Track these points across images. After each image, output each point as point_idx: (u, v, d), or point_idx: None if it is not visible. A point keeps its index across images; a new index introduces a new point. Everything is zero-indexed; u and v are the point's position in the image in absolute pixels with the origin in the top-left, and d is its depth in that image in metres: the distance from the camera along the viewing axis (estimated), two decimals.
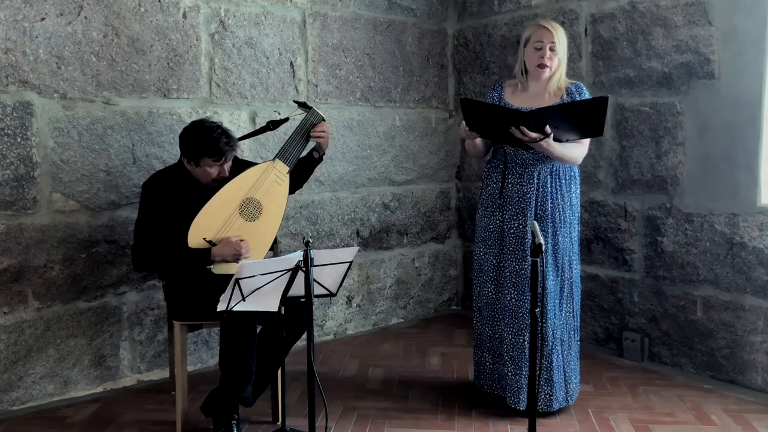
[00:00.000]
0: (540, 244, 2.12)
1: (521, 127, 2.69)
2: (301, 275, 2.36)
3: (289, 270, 2.37)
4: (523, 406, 2.94)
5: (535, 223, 2.21)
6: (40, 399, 3.17)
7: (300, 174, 3.05)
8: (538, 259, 2.14)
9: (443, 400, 3.19)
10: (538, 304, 2.21)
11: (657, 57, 3.51)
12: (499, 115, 2.78)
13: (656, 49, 3.51)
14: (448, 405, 3.13)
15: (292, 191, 3.07)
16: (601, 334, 3.88)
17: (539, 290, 2.91)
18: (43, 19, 3.06)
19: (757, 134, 3.17)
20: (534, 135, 2.70)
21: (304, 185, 3.16)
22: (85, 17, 3.17)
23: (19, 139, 3.04)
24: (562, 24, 3.90)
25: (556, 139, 2.77)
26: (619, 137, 3.71)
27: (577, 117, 2.75)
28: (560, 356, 2.96)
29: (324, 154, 3.05)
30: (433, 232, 4.66)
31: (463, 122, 2.86)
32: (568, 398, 3.02)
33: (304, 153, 3.00)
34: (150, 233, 2.77)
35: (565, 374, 2.98)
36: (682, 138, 3.44)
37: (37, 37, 3.05)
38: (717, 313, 3.36)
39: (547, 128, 2.70)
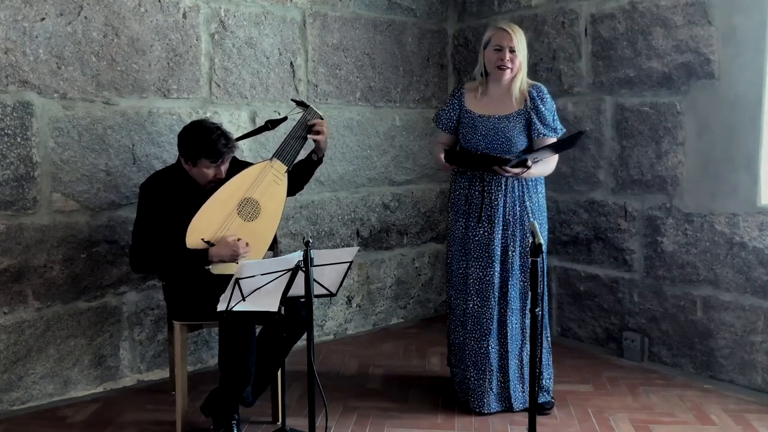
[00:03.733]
0: (540, 244, 2.12)
1: (504, 167, 2.82)
2: (301, 275, 2.36)
3: (289, 270, 2.37)
4: (488, 410, 2.98)
5: (535, 222, 2.21)
6: (40, 399, 3.17)
7: (299, 177, 3.04)
8: (538, 259, 2.14)
9: (443, 400, 3.19)
10: (539, 304, 2.21)
11: (657, 57, 3.51)
12: (483, 161, 2.90)
13: (656, 49, 3.51)
14: (448, 405, 3.13)
15: (292, 193, 3.06)
16: (601, 334, 3.88)
17: (502, 293, 2.97)
18: (43, 19, 3.06)
19: (756, 134, 3.17)
20: (517, 171, 2.84)
21: (305, 187, 3.16)
22: (85, 17, 3.17)
23: (19, 139, 3.04)
24: (562, 24, 3.92)
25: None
26: (619, 137, 3.71)
27: (557, 148, 2.93)
28: (527, 354, 2.98)
29: (323, 155, 3.03)
30: (433, 232, 4.65)
31: (441, 156, 2.95)
32: (544, 393, 3.04)
33: (303, 154, 3.00)
34: (148, 235, 2.77)
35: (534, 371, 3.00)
36: (682, 138, 3.44)
37: (37, 37, 3.05)
38: (717, 313, 3.36)
39: (529, 162, 2.83)
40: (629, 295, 3.73)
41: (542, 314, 3.03)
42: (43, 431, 2.91)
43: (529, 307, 2.99)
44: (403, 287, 4.51)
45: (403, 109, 4.41)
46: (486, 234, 2.95)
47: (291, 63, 3.87)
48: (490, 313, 2.96)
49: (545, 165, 2.96)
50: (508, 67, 2.91)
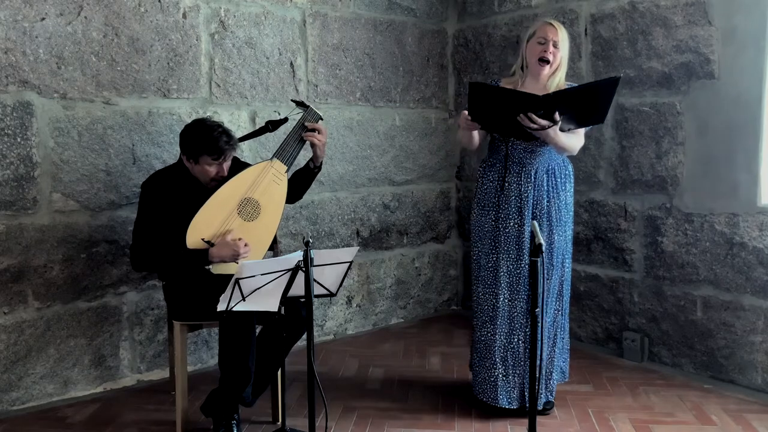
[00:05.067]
0: (540, 244, 2.12)
1: (530, 114, 2.62)
2: (301, 275, 2.36)
3: (289, 270, 2.37)
4: (516, 404, 2.97)
5: (535, 223, 2.21)
6: (40, 399, 3.17)
7: (297, 186, 3.03)
8: (538, 259, 2.14)
9: (443, 400, 3.19)
10: (540, 303, 2.21)
11: (657, 57, 3.51)
12: (510, 99, 2.67)
13: (656, 49, 3.51)
14: (448, 405, 3.13)
15: (291, 201, 3.06)
16: (601, 334, 3.88)
17: (534, 290, 2.93)
18: (43, 19, 3.06)
19: (757, 134, 3.17)
20: (544, 122, 2.64)
21: (303, 196, 3.14)
22: (85, 17, 3.17)
23: (19, 139, 3.04)
24: (562, 24, 3.91)
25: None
26: (619, 137, 3.71)
27: (588, 101, 2.69)
28: (546, 353, 2.97)
29: (321, 164, 3.01)
30: (433, 232, 4.66)
31: (465, 111, 2.76)
32: (548, 394, 3.03)
33: (303, 154, 3.00)
34: (149, 233, 2.77)
35: (546, 370, 2.99)
36: (682, 138, 3.44)
37: (37, 37, 3.05)
38: (717, 313, 3.36)
39: (556, 115, 2.63)
40: (629, 295, 3.73)
41: (564, 315, 3.04)
42: (43, 431, 2.91)
43: (555, 306, 2.99)
44: (403, 287, 4.51)
45: (403, 109, 4.41)
46: (516, 226, 2.91)
47: (291, 63, 3.87)
48: (522, 307, 2.92)
49: (570, 139, 2.81)
50: (549, 61, 2.84)
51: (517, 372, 2.96)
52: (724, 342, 3.34)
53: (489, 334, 3.01)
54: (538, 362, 2.91)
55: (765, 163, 3.17)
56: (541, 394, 2.98)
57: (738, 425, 2.87)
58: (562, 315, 3.02)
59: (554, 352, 3.01)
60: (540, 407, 2.98)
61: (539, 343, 2.92)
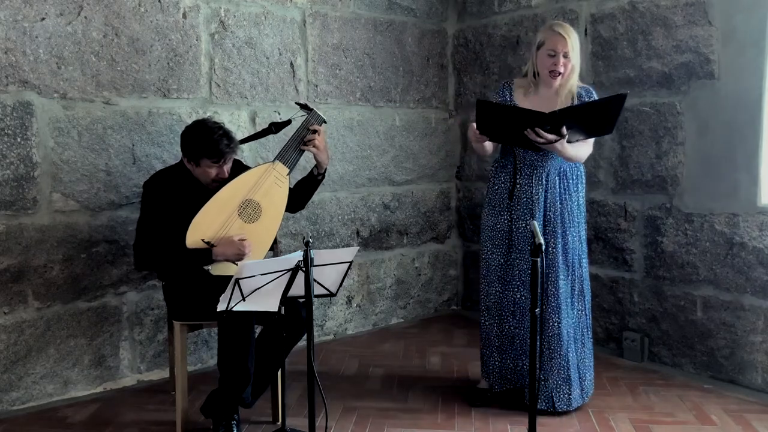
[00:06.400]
0: (540, 244, 2.12)
1: (537, 129, 2.67)
2: (301, 275, 2.36)
3: (289, 270, 2.37)
4: (545, 406, 2.95)
5: (535, 223, 2.20)
6: (40, 399, 3.17)
7: (300, 194, 3.03)
8: (538, 259, 2.14)
9: (443, 400, 3.19)
10: (539, 303, 2.21)
11: (657, 57, 3.51)
12: (517, 117, 2.72)
13: (656, 49, 3.51)
14: (448, 405, 3.13)
15: (293, 210, 3.05)
16: (601, 334, 3.88)
17: (543, 289, 2.92)
18: (43, 19, 3.06)
19: (757, 134, 3.17)
20: (550, 137, 2.68)
21: (305, 206, 3.13)
22: (85, 17, 3.17)
23: (19, 139, 3.04)
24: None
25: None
26: (619, 137, 3.71)
27: (594, 116, 2.73)
28: (574, 354, 2.97)
29: (324, 171, 3.01)
30: (433, 232, 4.66)
31: (473, 125, 2.80)
32: (584, 396, 3.03)
33: (306, 157, 2.99)
34: (152, 232, 2.77)
35: (579, 372, 2.99)
36: (682, 138, 3.44)
37: (37, 37, 3.05)
38: (717, 313, 3.36)
39: (563, 130, 2.67)
40: (629, 295, 3.73)
41: (587, 314, 3.03)
42: (43, 431, 2.91)
43: (578, 306, 2.99)
44: (403, 287, 4.51)
45: (403, 109, 4.41)
46: (528, 227, 2.92)
47: (291, 63, 3.87)
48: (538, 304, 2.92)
49: (578, 149, 2.84)
50: (561, 73, 2.85)
51: (545, 370, 2.95)
52: (724, 342, 3.34)
53: (505, 330, 3.03)
54: (564, 362, 2.95)
55: (765, 163, 3.17)
56: (575, 395, 2.97)
57: (738, 425, 2.87)
58: (585, 315, 3.02)
59: (583, 352, 3.01)
60: (572, 408, 2.99)
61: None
